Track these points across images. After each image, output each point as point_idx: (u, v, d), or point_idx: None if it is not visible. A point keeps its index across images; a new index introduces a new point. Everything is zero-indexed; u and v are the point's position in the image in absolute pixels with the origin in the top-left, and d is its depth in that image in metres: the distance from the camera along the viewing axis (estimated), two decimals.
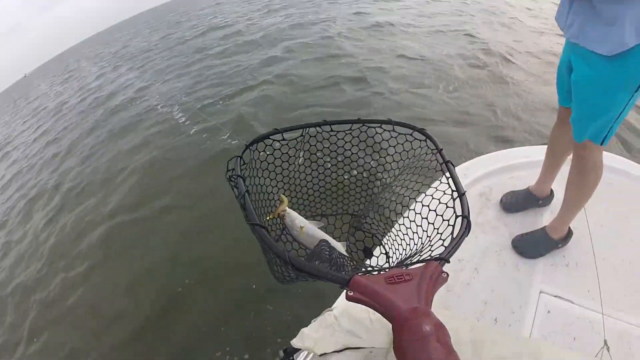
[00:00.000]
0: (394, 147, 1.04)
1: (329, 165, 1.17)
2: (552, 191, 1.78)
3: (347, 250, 1.11)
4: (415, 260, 0.72)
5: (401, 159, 1.04)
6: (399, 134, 1.01)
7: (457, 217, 0.77)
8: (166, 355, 2.61)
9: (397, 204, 1.02)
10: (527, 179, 1.83)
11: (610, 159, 2.02)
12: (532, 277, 1.54)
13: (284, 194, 1.07)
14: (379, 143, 1.07)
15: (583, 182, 1.41)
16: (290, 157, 1.10)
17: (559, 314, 1.44)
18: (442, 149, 0.93)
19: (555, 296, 1.49)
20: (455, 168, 1.78)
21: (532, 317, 1.41)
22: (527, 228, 1.68)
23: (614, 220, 1.74)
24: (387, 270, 0.67)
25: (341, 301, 1.27)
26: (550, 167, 1.69)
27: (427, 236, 0.84)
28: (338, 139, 1.10)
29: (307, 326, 1.18)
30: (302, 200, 1.20)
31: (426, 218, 0.88)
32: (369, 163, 1.17)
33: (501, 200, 1.69)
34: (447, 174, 0.86)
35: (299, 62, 7.35)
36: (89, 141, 6.44)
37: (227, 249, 3.28)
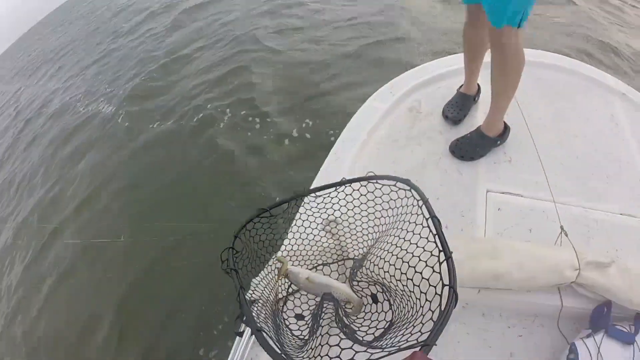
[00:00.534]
0: (380, 197, 1.03)
1: (320, 221, 1.17)
2: (478, 86, 1.80)
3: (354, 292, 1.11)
4: (403, 339, 0.69)
5: (390, 208, 1.03)
6: (383, 185, 1.00)
7: (443, 285, 0.70)
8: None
9: (385, 262, 0.97)
10: (454, 87, 1.83)
11: (538, 55, 2.02)
12: (477, 178, 1.52)
13: (281, 255, 1.09)
14: (366, 195, 1.07)
15: (507, 70, 1.42)
16: (280, 223, 1.11)
17: (510, 210, 1.43)
18: (427, 200, 0.91)
19: (503, 193, 1.48)
20: (383, 87, 1.81)
21: (483, 217, 1.41)
22: (462, 132, 1.69)
23: (553, 116, 1.75)
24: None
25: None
26: (471, 67, 1.70)
27: (417, 298, 0.80)
28: (325, 203, 1.10)
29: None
30: (301, 253, 1.20)
31: (411, 279, 0.84)
32: (359, 215, 1.15)
33: (445, 116, 1.69)
34: (433, 231, 0.82)
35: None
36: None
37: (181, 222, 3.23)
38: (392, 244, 0.95)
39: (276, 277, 1.07)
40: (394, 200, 0.99)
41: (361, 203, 1.09)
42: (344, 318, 0.97)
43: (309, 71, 4.62)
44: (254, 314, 0.83)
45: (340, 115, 3.42)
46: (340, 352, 0.72)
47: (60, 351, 2.76)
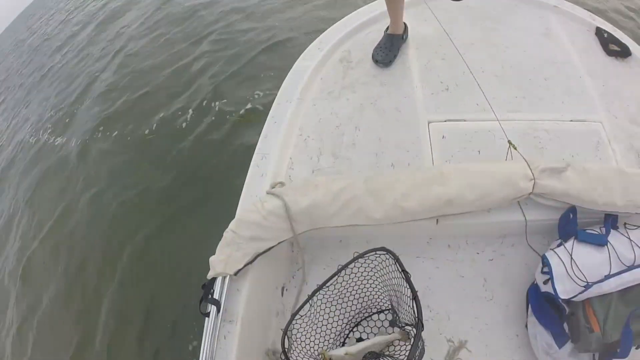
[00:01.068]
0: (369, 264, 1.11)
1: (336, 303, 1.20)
2: (405, 24, 1.78)
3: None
4: None
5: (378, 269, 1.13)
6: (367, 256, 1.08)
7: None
8: None
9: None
10: (382, 30, 1.80)
11: None
12: (416, 112, 1.50)
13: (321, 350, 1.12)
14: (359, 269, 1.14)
15: None
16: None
17: (454, 136, 1.41)
18: (397, 258, 1.04)
19: (446, 121, 1.46)
20: (310, 45, 1.78)
21: (428, 148, 1.38)
22: (396, 73, 1.68)
23: (482, 37, 1.74)
24: None
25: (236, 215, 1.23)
26: (393, 7, 1.68)
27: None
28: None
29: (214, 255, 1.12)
30: (332, 332, 1.21)
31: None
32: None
33: (376, 60, 1.67)
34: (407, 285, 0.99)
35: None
36: None
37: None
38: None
39: None
40: (380, 263, 1.10)
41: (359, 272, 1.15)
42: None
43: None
44: None
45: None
46: None
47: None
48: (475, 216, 1.17)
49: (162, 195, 3.31)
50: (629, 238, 1.07)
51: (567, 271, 1.02)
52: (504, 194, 1.11)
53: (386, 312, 1.23)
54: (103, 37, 7.80)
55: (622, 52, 1.62)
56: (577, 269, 1.01)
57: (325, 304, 1.18)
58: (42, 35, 11.63)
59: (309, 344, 1.15)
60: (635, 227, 1.11)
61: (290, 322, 1.12)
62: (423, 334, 1.05)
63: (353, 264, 1.11)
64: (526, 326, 1.15)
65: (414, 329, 1.06)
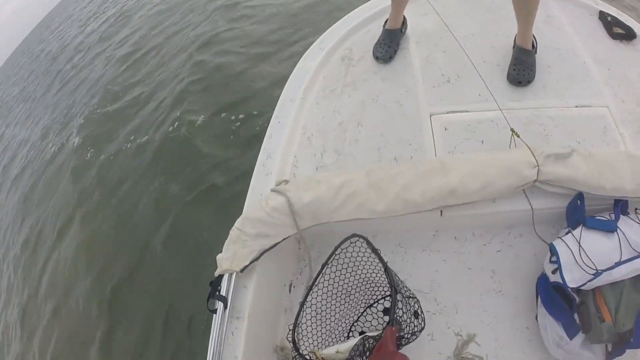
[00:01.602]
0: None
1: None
2: (404, 18, 1.75)
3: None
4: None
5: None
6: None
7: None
8: None
9: None
10: (380, 28, 1.79)
11: None
12: (418, 105, 1.50)
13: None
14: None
15: None
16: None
17: (457, 127, 1.41)
18: (367, 239, 1.07)
19: (448, 112, 1.46)
20: (311, 46, 1.79)
21: (430, 140, 1.38)
22: (397, 68, 1.67)
23: (482, 27, 1.73)
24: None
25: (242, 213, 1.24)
26: (400, 1, 1.65)
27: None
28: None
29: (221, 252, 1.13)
30: (338, 325, 1.22)
31: None
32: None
33: (376, 57, 1.66)
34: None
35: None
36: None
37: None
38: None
39: None
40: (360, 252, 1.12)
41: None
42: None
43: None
44: None
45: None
46: None
47: None
48: (481, 207, 1.15)
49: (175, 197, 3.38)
50: None
51: (575, 259, 0.99)
52: (508, 182, 1.09)
53: (384, 299, 1.23)
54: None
55: (627, 35, 1.58)
56: (586, 256, 0.98)
57: (326, 299, 1.18)
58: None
59: (316, 339, 1.15)
60: None
61: (297, 316, 1.13)
62: (431, 327, 1.11)
63: (337, 256, 1.13)
64: (536, 318, 1.12)
65: (407, 319, 1.07)
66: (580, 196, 1.12)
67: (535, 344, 1.11)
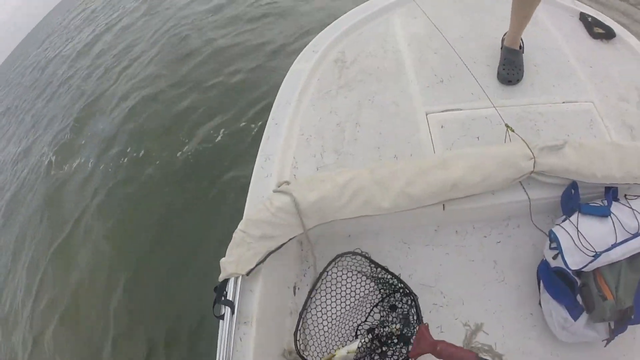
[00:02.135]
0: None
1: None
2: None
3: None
4: None
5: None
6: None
7: None
8: None
9: None
10: (374, 31, 1.85)
11: None
12: (413, 105, 1.53)
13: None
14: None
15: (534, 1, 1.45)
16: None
17: (453, 125, 1.45)
18: (364, 255, 1.23)
19: (443, 111, 1.50)
20: (304, 49, 1.81)
21: (428, 138, 1.42)
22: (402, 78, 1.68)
23: (470, 27, 1.78)
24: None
25: (244, 216, 1.25)
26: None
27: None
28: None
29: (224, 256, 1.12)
30: (345, 326, 1.24)
31: None
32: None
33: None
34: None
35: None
36: None
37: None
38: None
39: None
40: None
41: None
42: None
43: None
44: None
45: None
46: None
47: None
48: (480, 200, 1.19)
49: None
50: (631, 207, 1.10)
51: (575, 243, 1.04)
52: (507, 174, 1.14)
53: (389, 297, 1.26)
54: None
55: (607, 34, 1.67)
56: (585, 240, 1.03)
57: (331, 301, 1.21)
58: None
59: (324, 341, 1.16)
60: (636, 197, 1.14)
61: (298, 323, 1.16)
62: (440, 319, 1.17)
63: (335, 264, 1.23)
64: (539, 304, 1.16)
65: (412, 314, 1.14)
66: (574, 185, 1.17)
67: (540, 329, 1.16)
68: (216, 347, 0.99)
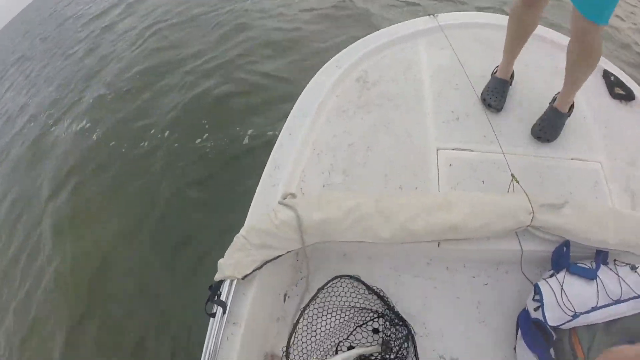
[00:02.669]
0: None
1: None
2: (513, 71, 1.77)
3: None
4: None
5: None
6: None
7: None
8: None
9: None
10: (398, 55, 1.86)
11: (472, 17, 2.07)
12: (426, 139, 1.55)
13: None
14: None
15: (591, 62, 1.41)
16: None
17: (461, 164, 1.47)
18: (359, 280, 1.32)
19: (454, 149, 1.52)
20: (328, 62, 1.84)
21: (435, 174, 1.44)
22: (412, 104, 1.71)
23: (491, 69, 1.77)
24: None
25: (246, 222, 1.29)
26: (516, 48, 1.66)
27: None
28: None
29: (223, 257, 1.17)
30: (327, 341, 1.30)
31: None
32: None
33: (489, 104, 1.66)
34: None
35: None
36: None
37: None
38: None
39: None
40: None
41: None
42: None
43: None
44: None
45: None
46: None
47: None
48: (475, 243, 1.24)
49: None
50: (617, 274, 1.14)
51: (557, 300, 1.09)
52: (504, 224, 1.19)
53: (372, 321, 1.32)
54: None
55: (627, 96, 1.70)
56: (567, 299, 1.08)
57: (319, 316, 1.28)
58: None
59: (307, 352, 1.23)
60: (624, 265, 1.18)
61: (291, 334, 1.22)
62: (418, 349, 1.21)
63: (331, 283, 1.31)
64: (514, 349, 1.22)
65: (396, 333, 1.22)
66: (567, 244, 1.22)
67: None
68: (203, 343, 1.03)
